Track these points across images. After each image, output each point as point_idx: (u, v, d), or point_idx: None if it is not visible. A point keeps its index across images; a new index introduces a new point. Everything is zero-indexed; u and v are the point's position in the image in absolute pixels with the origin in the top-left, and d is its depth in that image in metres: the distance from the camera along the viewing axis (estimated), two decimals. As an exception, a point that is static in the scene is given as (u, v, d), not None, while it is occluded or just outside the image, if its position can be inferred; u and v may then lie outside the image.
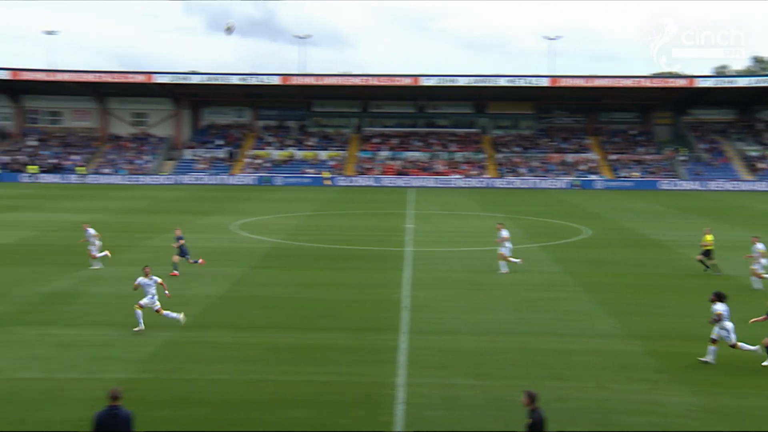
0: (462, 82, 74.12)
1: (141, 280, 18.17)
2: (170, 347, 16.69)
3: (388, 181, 72.86)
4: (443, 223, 41.62)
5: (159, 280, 18.37)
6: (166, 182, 71.89)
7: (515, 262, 26.24)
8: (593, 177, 73.97)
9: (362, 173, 74.70)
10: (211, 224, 39.17)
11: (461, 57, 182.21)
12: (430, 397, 13.77)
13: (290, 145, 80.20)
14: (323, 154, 78.43)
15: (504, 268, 25.76)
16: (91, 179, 71.68)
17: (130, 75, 75.29)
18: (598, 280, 25.03)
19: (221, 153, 78.27)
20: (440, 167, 76.07)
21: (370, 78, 74.96)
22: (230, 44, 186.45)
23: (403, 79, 74.71)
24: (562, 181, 72.60)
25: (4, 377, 14.58)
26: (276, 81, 74.62)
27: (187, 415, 12.86)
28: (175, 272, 24.64)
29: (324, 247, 31.72)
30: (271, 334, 17.84)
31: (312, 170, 74.71)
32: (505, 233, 26.18)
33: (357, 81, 75.17)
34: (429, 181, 72.85)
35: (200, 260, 26.39)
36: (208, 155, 77.77)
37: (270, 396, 13.79)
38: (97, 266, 25.89)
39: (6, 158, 74.31)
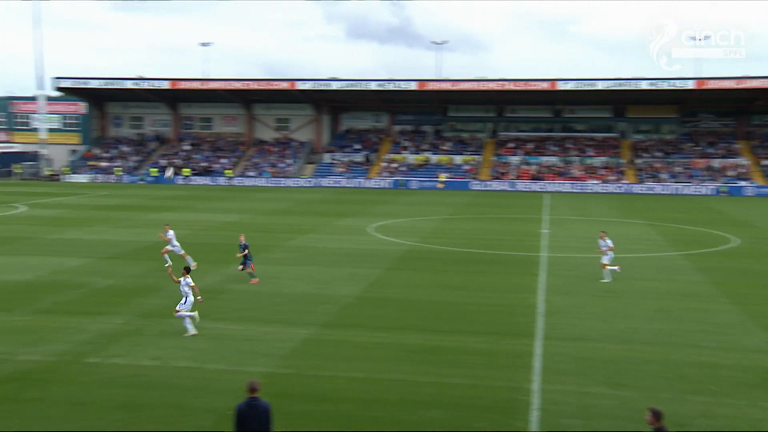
0: (601, 86, 71.77)
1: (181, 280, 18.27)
2: (309, 344, 17.24)
3: (523, 185, 71.74)
4: (579, 228, 40.47)
5: (192, 283, 18.18)
6: (306, 185, 74.29)
7: (613, 270, 25.13)
8: (743, 183, 69.47)
9: (497, 177, 73.98)
10: (348, 226, 40.08)
11: (600, 60, 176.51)
12: (566, 405, 13.44)
13: (426, 150, 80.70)
14: (458, 159, 78.35)
15: (607, 278, 24.73)
16: (237, 181, 75.25)
17: (274, 82, 78.43)
18: (748, 292, 23.49)
19: (359, 157, 79.93)
20: (576, 172, 74.01)
21: (506, 83, 74.12)
22: (369, 51, 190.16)
23: (539, 83, 73.34)
24: (707, 188, 68.69)
25: (163, 364, 15.60)
26: (413, 86, 75.33)
27: (324, 411, 13.23)
28: (255, 279, 23.95)
29: (458, 251, 31.68)
30: (405, 335, 18.03)
31: (447, 174, 74.83)
32: (609, 242, 25.10)
33: (493, 86, 74.55)
34: (565, 186, 71.06)
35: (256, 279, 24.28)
36: (346, 159, 79.66)
37: (404, 396, 13.93)
38: (193, 264, 25.34)
39: (164, 162, 79.40)
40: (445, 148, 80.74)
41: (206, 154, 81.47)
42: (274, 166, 78.87)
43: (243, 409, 9.88)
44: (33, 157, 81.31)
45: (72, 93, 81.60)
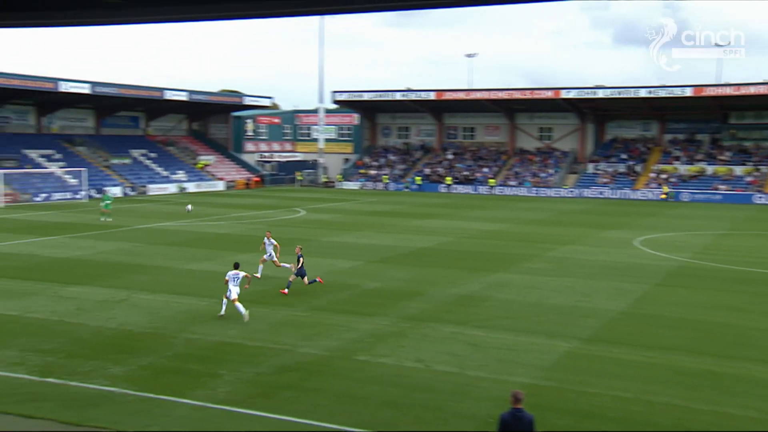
0: None
1: (230, 274, 20.03)
2: (572, 358, 16.69)
3: (817, 199, 63.36)
4: None
5: (243, 273, 20.07)
6: (568, 195, 72.51)
7: None
8: None
9: (785, 190, 66.16)
10: (612, 238, 38.35)
11: None
12: None
13: (700, 160, 74.73)
14: (739, 170, 71.45)
15: None
16: (498, 190, 75.67)
17: (538, 91, 77.70)
18: None
19: (624, 167, 76.29)
20: None
21: (799, 84, 66.07)
22: (638, 56, 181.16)
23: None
24: None
25: (425, 367, 16.06)
26: (688, 93, 70.17)
27: (588, 428, 12.69)
28: (285, 290, 23.22)
29: (737, 269, 28.81)
30: (677, 357, 16.73)
31: (725, 186, 68.58)
32: None
33: (783, 88, 66.86)
34: None
35: (319, 278, 24.32)
36: (610, 169, 76.47)
37: (678, 422, 12.91)
38: (286, 265, 25.43)
39: (428, 170, 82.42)
40: (723, 158, 74.07)
41: (468, 163, 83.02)
42: (535, 175, 78.11)
43: (507, 419, 9.77)
44: (312, 165, 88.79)
45: (347, 105, 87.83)
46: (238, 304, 19.82)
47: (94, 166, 67.77)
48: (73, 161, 66.26)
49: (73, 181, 62.34)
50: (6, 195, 54.88)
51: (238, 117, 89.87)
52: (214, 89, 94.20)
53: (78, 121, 74.05)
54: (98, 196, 61.91)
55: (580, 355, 16.89)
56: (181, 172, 75.28)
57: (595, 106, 77.90)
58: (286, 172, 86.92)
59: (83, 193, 60.33)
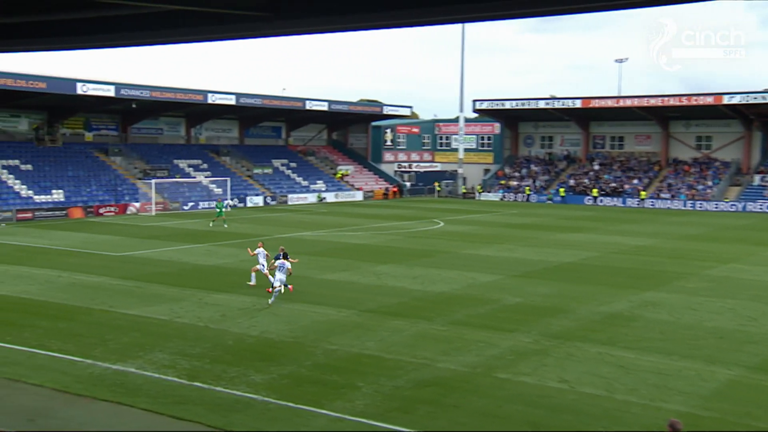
0: None
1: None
2: (736, 387, 15.71)
3: None
4: None
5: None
6: (730, 209, 68.39)
7: None
8: None
9: None
10: (781, 257, 35.80)
11: None
12: None
13: None
14: None
15: None
16: (649, 203, 72.55)
17: (696, 97, 73.93)
18: None
19: (795, 178, 70.93)
20: None
21: None
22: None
23: None
24: None
25: (569, 388, 15.64)
26: None
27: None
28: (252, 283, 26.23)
29: None
30: None
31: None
32: None
33: None
34: None
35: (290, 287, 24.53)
36: (778, 181, 71.36)
37: None
38: (252, 282, 26.36)
39: (572, 181, 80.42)
40: None
41: (616, 174, 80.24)
42: (691, 187, 74.26)
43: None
44: (451, 175, 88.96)
45: (488, 114, 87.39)
46: (277, 290, 23.38)
47: (237, 175, 71.25)
48: (218, 171, 70.00)
49: (218, 190, 65.83)
50: (157, 203, 58.84)
51: (377, 126, 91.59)
52: (354, 99, 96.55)
53: (223, 131, 78.21)
54: (240, 205, 65.09)
55: (745, 385, 15.87)
56: (320, 181, 77.67)
57: (764, 112, 73.07)
58: (424, 183, 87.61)
59: (227, 202, 63.56)
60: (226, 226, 47.10)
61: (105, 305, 23.35)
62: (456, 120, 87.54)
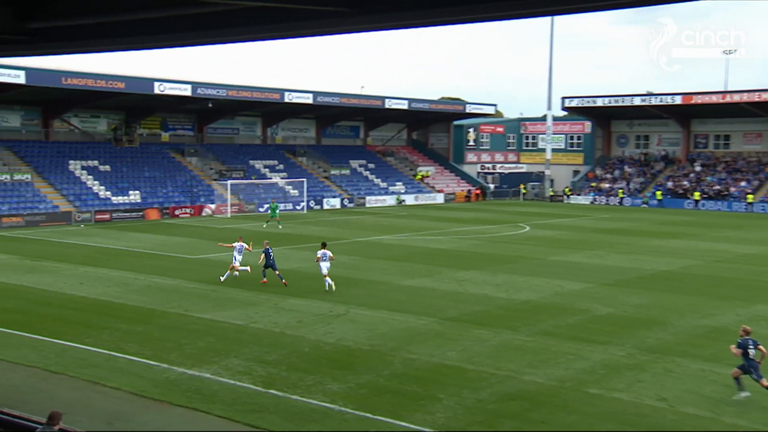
0: None
1: (319, 252, 27.26)
2: None
3: None
4: None
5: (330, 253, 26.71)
6: None
7: None
8: None
9: None
10: None
11: None
12: None
13: None
14: None
15: None
16: (759, 208, 69.81)
17: (812, 91, 70.70)
18: None
19: None
20: None
21: None
22: None
23: None
24: None
25: (668, 407, 15.21)
26: None
27: None
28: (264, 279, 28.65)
29: None
30: None
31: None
32: None
33: None
34: None
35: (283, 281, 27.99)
36: None
37: None
38: (236, 274, 29.21)
39: (670, 184, 78.18)
40: None
41: (721, 176, 77.57)
42: (804, 190, 71.09)
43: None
44: (538, 177, 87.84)
45: (577, 112, 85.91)
46: (328, 279, 26.84)
47: (314, 176, 72.26)
48: (294, 172, 71.18)
49: (294, 192, 66.91)
50: (232, 205, 60.28)
51: (460, 126, 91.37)
52: (435, 97, 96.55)
53: (300, 131, 79.52)
54: (316, 207, 65.96)
55: None
56: (399, 183, 77.99)
57: None
58: (509, 185, 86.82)
59: (303, 204, 64.52)
60: (280, 227, 48.05)
61: (180, 308, 24.06)
62: (543, 119, 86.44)
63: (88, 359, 18.34)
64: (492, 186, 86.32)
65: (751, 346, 15.32)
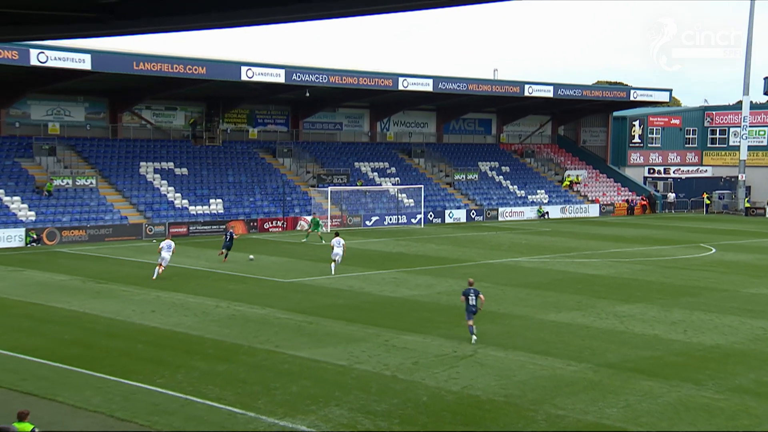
0: None
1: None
2: None
3: None
4: None
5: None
6: None
7: None
8: None
9: None
10: None
11: None
12: None
13: None
14: None
15: None
16: None
17: None
18: None
19: None
20: None
21: None
22: None
23: None
24: None
25: None
26: None
27: None
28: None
29: None
30: None
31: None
32: None
33: None
34: None
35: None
36: None
37: None
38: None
39: None
40: None
41: None
42: None
43: None
44: (728, 184, 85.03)
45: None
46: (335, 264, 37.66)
47: (433, 182, 72.63)
48: (410, 176, 71.70)
49: (409, 202, 67.36)
50: (334, 217, 61.08)
51: (622, 118, 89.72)
52: (589, 81, 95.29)
53: (417, 126, 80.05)
54: (436, 221, 66.10)
55: None
56: (541, 191, 77.36)
57: None
58: (687, 194, 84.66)
59: (419, 216, 64.78)
60: (323, 242, 48.44)
61: (270, 344, 24.61)
62: (737, 106, 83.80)
63: (160, 404, 19.00)
64: (668, 195, 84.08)
65: (471, 294, 24.55)
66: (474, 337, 24.58)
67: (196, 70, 55.32)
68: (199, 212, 58.44)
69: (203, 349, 24.09)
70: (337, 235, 40.26)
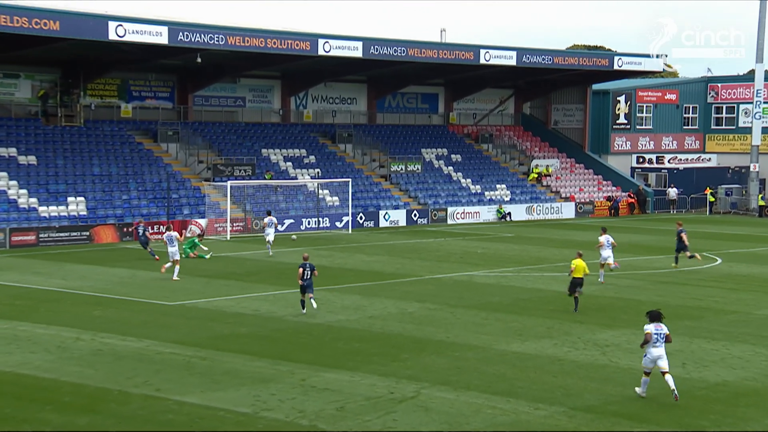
0: None
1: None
2: None
3: None
4: None
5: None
6: None
7: None
8: None
9: None
10: None
11: None
12: None
13: None
14: None
15: None
16: None
17: None
18: None
19: None
20: None
21: None
22: None
23: None
24: None
25: None
26: None
27: None
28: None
29: None
30: None
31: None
32: None
33: None
34: None
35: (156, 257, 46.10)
36: None
37: None
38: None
39: None
40: None
41: None
42: None
43: None
44: (737, 176, 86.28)
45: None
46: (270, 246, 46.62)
47: (364, 175, 72.60)
48: (333, 167, 71.68)
49: (332, 200, 67.16)
50: (235, 221, 60.49)
51: (603, 92, 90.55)
52: (562, 46, 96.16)
53: (342, 103, 79.86)
54: (368, 224, 65.96)
55: None
56: (501, 186, 77.95)
57: None
58: (686, 188, 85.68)
59: (346, 219, 64.58)
60: (210, 255, 48.06)
61: (149, 387, 24.25)
62: (748, 78, 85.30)
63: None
64: (669, 191, 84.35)
65: (308, 269, 32.68)
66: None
67: (46, 24, 52.72)
68: (53, 214, 57.44)
69: (58, 397, 23.57)
70: (269, 214, 52.82)
